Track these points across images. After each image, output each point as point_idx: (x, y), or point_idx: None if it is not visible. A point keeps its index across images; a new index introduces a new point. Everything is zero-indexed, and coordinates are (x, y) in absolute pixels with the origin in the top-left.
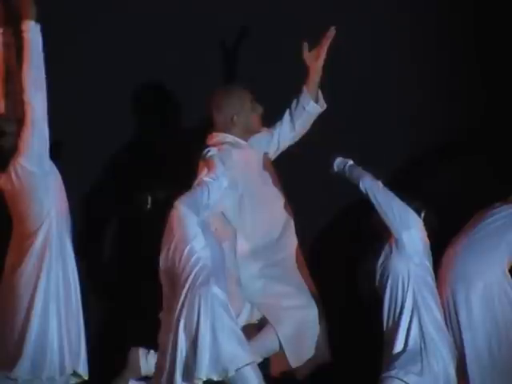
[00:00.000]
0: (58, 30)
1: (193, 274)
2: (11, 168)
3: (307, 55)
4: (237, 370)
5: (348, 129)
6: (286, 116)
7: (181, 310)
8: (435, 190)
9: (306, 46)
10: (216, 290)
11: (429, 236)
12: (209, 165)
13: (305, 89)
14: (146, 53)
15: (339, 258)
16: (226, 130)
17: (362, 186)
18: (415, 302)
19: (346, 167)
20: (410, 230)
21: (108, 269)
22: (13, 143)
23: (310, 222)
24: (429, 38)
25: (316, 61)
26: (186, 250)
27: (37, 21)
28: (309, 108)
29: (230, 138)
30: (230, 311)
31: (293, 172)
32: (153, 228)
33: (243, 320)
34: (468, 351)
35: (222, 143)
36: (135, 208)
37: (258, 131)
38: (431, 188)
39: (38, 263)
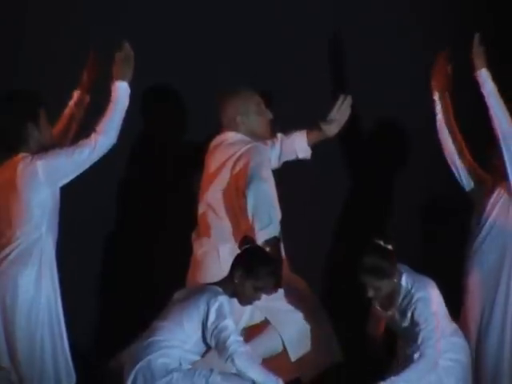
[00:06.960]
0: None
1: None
2: (23, 159)
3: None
4: None
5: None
6: (277, 148)
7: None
8: None
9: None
10: None
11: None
12: None
13: (306, 138)
14: (155, 55)
15: (339, 258)
16: (233, 130)
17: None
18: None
19: None
20: (433, 315)
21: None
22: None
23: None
24: None
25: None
26: (161, 344)
27: (129, 84)
28: (301, 156)
29: (244, 137)
30: None
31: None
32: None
33: (245, 321)
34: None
35: (248, 141)
36: None
37: (265, 136)
38: None
39: (19, 268)
